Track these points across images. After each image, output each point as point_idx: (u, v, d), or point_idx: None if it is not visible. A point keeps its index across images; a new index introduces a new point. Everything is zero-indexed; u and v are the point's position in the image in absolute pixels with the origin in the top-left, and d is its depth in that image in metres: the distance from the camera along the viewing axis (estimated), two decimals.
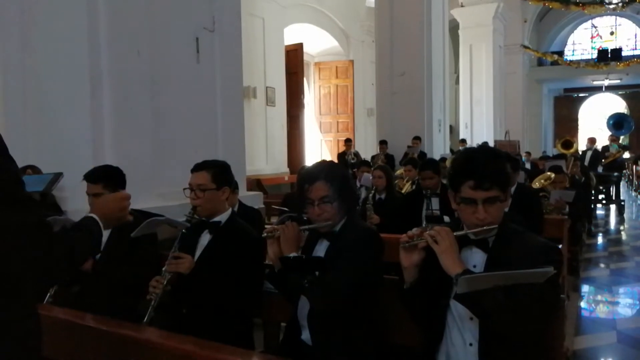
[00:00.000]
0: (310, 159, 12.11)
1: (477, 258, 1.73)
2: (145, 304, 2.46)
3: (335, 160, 11.10)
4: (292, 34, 11.43)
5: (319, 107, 13.49)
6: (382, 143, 9.45)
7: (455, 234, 1.69)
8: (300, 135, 11.40)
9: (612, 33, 22.50)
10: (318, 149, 13.43)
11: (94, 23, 3.12)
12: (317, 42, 13.09)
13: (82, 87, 3.11)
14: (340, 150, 11.35)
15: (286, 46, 10.89)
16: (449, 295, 1.73)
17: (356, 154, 10.18)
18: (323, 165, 2.09)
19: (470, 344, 1.71)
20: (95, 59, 3.13)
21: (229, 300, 2.22)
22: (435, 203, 3.93)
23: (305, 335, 2.01)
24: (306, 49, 11.83)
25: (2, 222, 1.06)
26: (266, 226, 3.42)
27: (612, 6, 10.99)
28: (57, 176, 1.94)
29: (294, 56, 11.19)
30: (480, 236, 1.72)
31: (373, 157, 9.29)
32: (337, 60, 13.51)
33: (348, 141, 10.71)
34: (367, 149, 12.34)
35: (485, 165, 1.67)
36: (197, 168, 2.40)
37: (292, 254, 1.91)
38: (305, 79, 11.97)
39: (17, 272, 1.11)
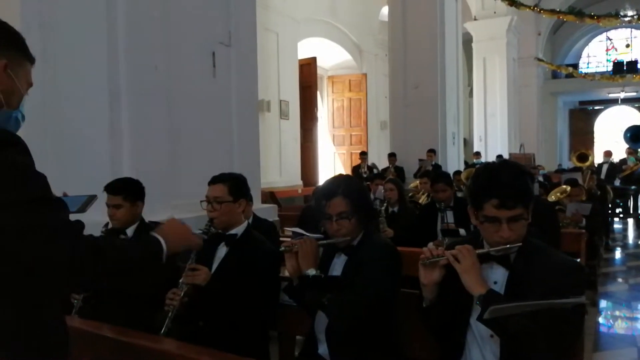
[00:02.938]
0: (324, 171, 12.12)
1: (498, 274, 1.70)
2: (162, 316, 2.48)
3: (350, 174, 11.11)
4: (306, 48, 11.51)
5: (332, 120, 13.52)
6: (392, 155, 9.46)
7: (477, 252, 1.66)
8: (314, 148, 11.42)
9: (627, 45, 22.31)
10: (331, 161, 13.44)
11: (113, 38, 3.17)
12: (331, 55, 13.16)
13: (101, 100, 3.16)
14: (355, 164, 11.36)
15: (300, 60, 10.96)
16: (469, 314, 1.71)
17: (372, 166, 10.17)
18: (340, 180, 2.08)
19: None
20: (114, 74, 3.18)
21: (246, 312, 2.21)
22: (450, 216, 3.91)
23: (323, 349, 2.00)
24: (319, 62, 11.90)
25: (23, 223, 1.07)
26: (282, 239, 3.44)
27: (627, 19, 10.92)
28: (92, 198, 1.98)
29: (308, 70, 11.25)
30: (501, 253, 1.69)
31: (384, 170, 9.28)
32: (350, 73, 13.56)
33: (363, 154, 10.72)
34: (380, 161, 12.31)
35: (509, 183, 1.62)
36: (214, 181, 2.42)
37: (311, 273, 1.91)
38: (318, 93, 12.03)
39: (39, 273, 1.11)
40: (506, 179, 1.63)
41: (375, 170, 9.84)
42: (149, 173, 3.12)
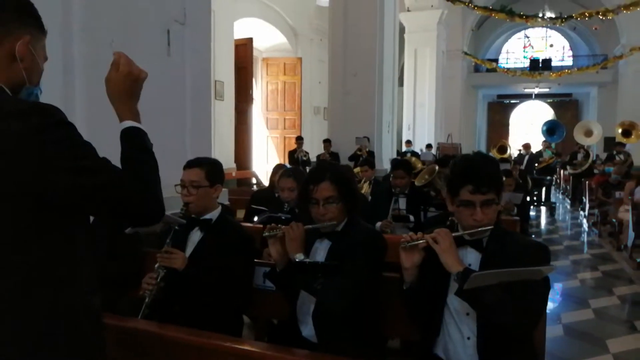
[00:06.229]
0: (257, 155, 12.04)
1: (471, 257, 1.85)
2: (127, 301, 2.43)
3: (286, 158, 11.13)
4: (241, 29, 11.31)
5: (266, 103, 13.41)
6: (326, 141, 9.56)
7: (453, 234, 1.79)
8: (248, 131, 11.28)
9: (551, 45, 23.72)
10: (264, 145, 13.36)
11: (67, 15, 3.00)
12: (266, 37, 13.00)
13: (55, 78, 2.98)
14: (289, 148, 11.36)
15: (235, 40, 10.75)
16: (446, 292, 1.84)
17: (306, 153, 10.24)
18: (328, 165, 2.13)
19: (468, 338, 1.81)
20: (68, 51, 3.02)
21: (221, 297, 2.21)
22: (402, 203, 4.06)
23: (308, 331, 2.05)
24: (255, 44, 11.73)
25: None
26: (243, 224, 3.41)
27: (549, 20, 11.67)
28: None
29: (244, 51, 11.05)
30: (475, 237, 1.83)
31: (318, 156, 9.36)
32: (285, 56, 13.48)
33: (299, 139, 10.73)
34: (313, 147, 12.40)
35: (483, 171, 1.80)
36: (191, 165, 2.37)
37: (300, 258, 1.94)
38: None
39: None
40: (481, 167, 1.82)
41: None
42: (103, 153, 2.98)
